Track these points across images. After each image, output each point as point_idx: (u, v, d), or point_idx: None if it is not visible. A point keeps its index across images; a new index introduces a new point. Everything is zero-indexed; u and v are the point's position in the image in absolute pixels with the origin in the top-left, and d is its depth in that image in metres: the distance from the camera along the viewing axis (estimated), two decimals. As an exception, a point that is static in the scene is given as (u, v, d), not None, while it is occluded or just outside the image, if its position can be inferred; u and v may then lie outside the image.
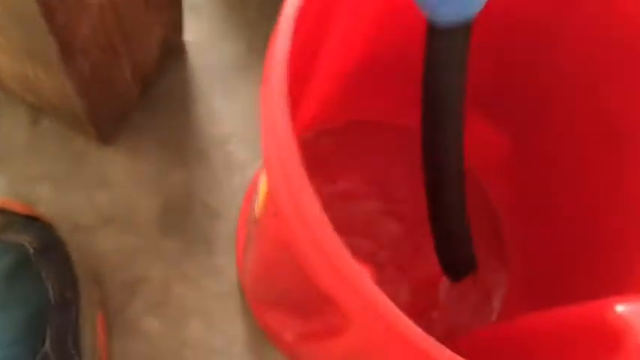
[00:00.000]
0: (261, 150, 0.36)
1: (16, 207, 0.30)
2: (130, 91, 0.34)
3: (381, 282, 0.33)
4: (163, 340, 0.32)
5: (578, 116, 0.28)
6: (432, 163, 0.23)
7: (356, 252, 0.33)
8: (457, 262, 0.26)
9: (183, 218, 0.34)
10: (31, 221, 0.30)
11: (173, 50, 0.37)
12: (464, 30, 0.21)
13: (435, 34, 0.21)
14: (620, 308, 0.18)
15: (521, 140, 0.32)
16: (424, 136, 0.23)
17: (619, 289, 0.24)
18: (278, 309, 0.30)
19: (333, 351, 0.24)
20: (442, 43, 0.21)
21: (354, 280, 0.15)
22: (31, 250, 0.29)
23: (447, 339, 0.33)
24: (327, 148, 0.35)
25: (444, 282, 0.33)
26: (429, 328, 0.33)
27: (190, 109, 0.37)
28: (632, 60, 0.23)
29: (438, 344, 0.15)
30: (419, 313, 0.33)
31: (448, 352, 0.15)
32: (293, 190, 0.15)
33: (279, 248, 0.21)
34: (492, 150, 0.33)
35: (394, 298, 0.33)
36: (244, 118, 0.37)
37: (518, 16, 0.27)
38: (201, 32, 0.38)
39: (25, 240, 0.29)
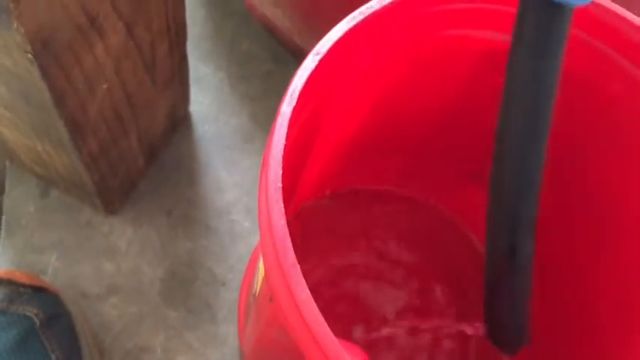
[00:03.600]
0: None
1: (23, 278, 0.31)
2: (137, 161, 0.35)
3: None
4: (165, 411, 0.32)
5: (563, 191, 0.28)
6: (507, 177, 0.21)
7: (352, 331, 0.34)
8: (512, 329, 0.23)
9: (187, 286, 0.35)
10: (38, 292, 0.31)
11: (179, 121, 0.38)
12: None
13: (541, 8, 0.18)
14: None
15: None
16: (500, 151, 0.21)
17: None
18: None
19: None
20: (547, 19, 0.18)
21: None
22: (37, 322, 0.29)
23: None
24: (328, 217, 0.36)
25: None
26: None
27: (195, 179, 0.38)
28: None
29: None
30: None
31: None
32: (289, 288, 0.16)
33: (275, 329, 0.22)
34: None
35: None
36: (247, 188, 0.38)
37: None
38: (207, 104, 0.40)
39: (32, 311, 0.30)
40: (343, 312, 0.34)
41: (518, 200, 0.21)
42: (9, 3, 0.19)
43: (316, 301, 0.16)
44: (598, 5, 0.22)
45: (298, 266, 0.16)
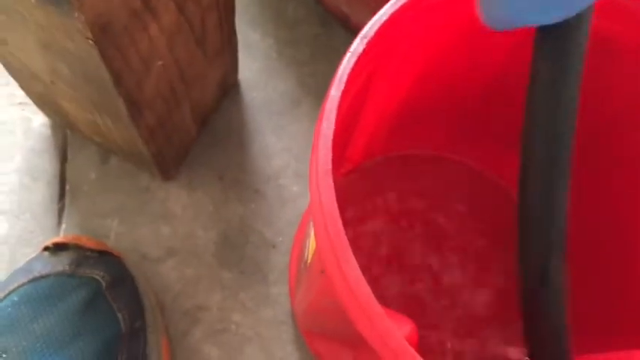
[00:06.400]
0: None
1: (90, 243, 0.33)
2: (190, 130, 0.36)
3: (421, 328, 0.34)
4: (223, 366, 0.34)
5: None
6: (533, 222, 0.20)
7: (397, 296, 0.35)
8: (554, 356, 0.22)
9: (239, 249, 0.37)
10: (103, 256, 0.33)
11: (229, 89, 0.39)
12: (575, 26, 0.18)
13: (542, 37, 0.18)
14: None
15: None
16: (525, 186, 0.21)
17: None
18: (328, 339, 0.31)
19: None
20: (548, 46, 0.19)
21: (390, 341, 0.17)
22: (104, 284, 0.32)
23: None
24: (375, 179, 0.37)
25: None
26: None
27: (244, 144, 0.39)
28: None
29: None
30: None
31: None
32: (341, 271, 0.17)
33: (326, 297, 0.23)
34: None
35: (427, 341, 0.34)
36: (295, 153, 0.39)
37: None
38: (255, 70, 0.41)
39: (98, 274, 0.32)
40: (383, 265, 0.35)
41: (548, 223, 0.20)
42: (71, -6, 0.20)
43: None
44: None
45: (350, 248, 0.17)
